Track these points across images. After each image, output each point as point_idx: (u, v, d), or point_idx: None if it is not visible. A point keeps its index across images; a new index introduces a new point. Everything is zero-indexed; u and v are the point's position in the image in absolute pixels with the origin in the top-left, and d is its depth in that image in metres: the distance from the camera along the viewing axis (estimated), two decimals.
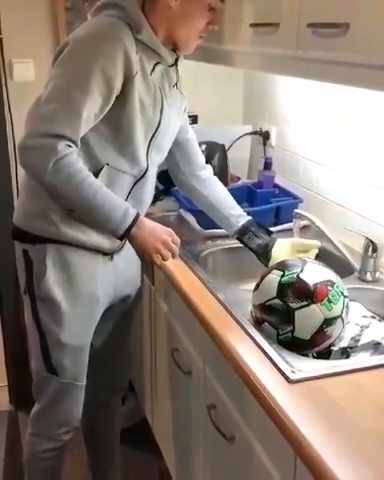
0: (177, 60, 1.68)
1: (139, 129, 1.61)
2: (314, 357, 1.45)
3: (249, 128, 2.58)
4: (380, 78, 1.17)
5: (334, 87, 1.81)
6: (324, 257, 1.72)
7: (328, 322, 1.40)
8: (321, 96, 2.09)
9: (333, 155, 2.07)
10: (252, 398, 1.28)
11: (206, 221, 2.00)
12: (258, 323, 1.48)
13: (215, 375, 1.58)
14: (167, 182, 2.19)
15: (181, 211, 2.24)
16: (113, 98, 1.53)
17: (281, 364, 1.31)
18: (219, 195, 1.91)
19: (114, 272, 1.79)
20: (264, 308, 1.45)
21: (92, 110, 1.49)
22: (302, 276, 1.44)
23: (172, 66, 1.68)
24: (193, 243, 2.00)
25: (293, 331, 1.40)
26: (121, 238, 1.59)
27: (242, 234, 1.85)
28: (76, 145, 1.50)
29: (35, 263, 1.68)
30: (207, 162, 1.95)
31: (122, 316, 1.94)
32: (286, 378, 1.26)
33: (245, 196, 2.26)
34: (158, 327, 2.10)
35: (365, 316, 1.57)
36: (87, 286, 1.71)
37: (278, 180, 2.37)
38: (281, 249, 1.78)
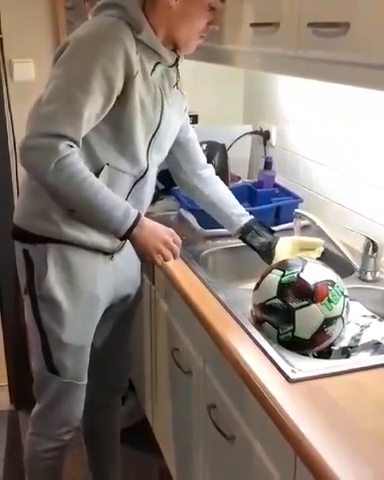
0: (177, 60, 1.68)
1: (139, 129, 1.61)
2: (314, 357, 1.45)
3: (249, 128, 2.58)
4: (380, 78, 1.17)
5: (334, 87, 1.81)
6: (324, 257, 1.72)
7: (328, 322, 1.40)
8: (321, 96, 2.09)
9: (333, 155, 2.07)
10: (252, 398, 1.28)
11: (206, 221, 2.00)
12: (258, 323, 1.48)
13: (215, 375, 1.58)
14: (167, 182, 2.19)
15: (181, 211, 2.24)
16: (114, 98, 1.53)
17: (281, 364, 1.31)
18: (221, 194, 1.91)
19: (114, 272, 1.79)
20: (264, 308, 1.45)
21: (93, 110, 1.50)
22: (302, 276, 1.43)
23: (172, 66, 1.68)
24: (193, 243, 2.00)
25: (293, 331, 1.40)
26: (123, 238, 1.59)
27: (245, 233, 1.85)
28: (77, 145, 1.50)
29: (36, 263, 1.68)
30: (207, 162, 1.95)
31: (122, 316, 1.94)
32: (286, 378, 1.26)
33: (245, 196, 2.26)
34: (158, 327, 2.10)
35: (365, 316, 1.57)
36: (88, 286, 1.71)
37: (278, 180, 2.37)
38: (284, 248, 1.78)
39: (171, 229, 1.65)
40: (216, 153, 2.29)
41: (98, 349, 1.87)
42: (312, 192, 2.21)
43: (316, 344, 1.42)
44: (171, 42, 1.63)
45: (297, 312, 1.40)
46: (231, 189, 1.95)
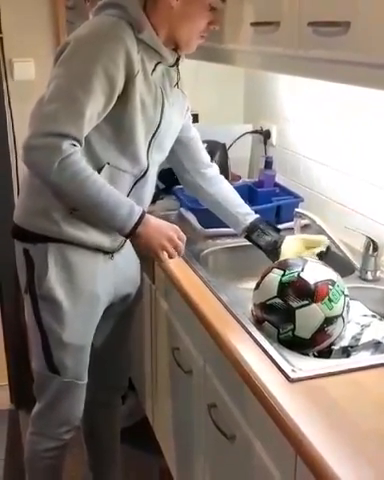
0: (178, 60, 1.68)
1: (140, 129, 1.61)
2: (315, 356, 1.45)
3: (250, 127, 2.58)
4: (381, 77, 1.17)
5: (335, 86, 1.82)
6: (325, 256, 1.72)
7: (329, 321, 1.40)
8: (322, 95, 2.09)
9: (334, 154, 2.07)
10: (253, 397, 1.28)
11: (207, 220, 2.00)
12: (259, 322, 1.48)
13: (216, 374, 1.58)
14: (168, 181, 2.20)
15: (182, 210, 2.24)
16: (115, 97, 1.53)
17: (282, 363, 1.31)
18: (225, 193, 1.90)
19: (114, 271, 1.79)
20: (265, 307, 1.45)
21: (95, 109, 1.50)
22: (303, 275, 1.43)
23: (173, 66, 1.68)
24: (194, 242, 2.00)
25: (294, 330, 1.40)
26: (128, 236, 1.59)
27: (251, 232, 1.84)
28: (80, 144, 1.50)
29: (36, 262, 1.68)
30: None
31: (122, 315, 1.94)
32: (287, 377, 1.26)
33: (246, 195, 2.26)
34: (159, 326, 2.10)
35: (366, 315, 1.57)
36: (88, 285, 1.71)
37: (279, 179, 2.37)
38: (291, 246, 1.77)
39: (175, 226, 1.65)
40: (216, 152, 2.29)
41: (98, 348, 1.87)
42: (312, 191, 2.21)
43: (316, 343, 1.42)
44: (172, 42, 1.63)
45: (297, 311, 1.40)
46: None
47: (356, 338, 1.48)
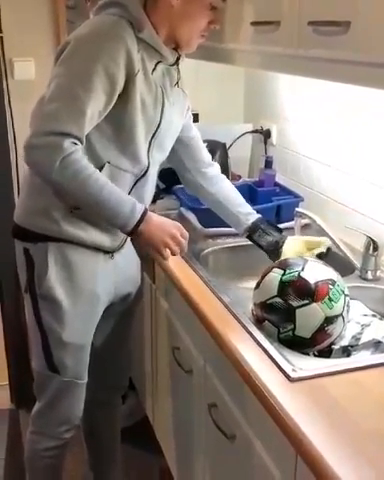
0: (178, 59, 1.68)
1: (140, 128, 1.61)
2: (315, 356, 1.45)
3: (250, 126, 2.58)
4: (381, 76, 1.17)
5: (335, 85, 1.82)
6: (325, 255, 1.72)
7: (329, 320, 1.40)
8: (322, 94, 2.09)
9: (334, 154, 2.07)
10: (253, 396, 1.28)
11: (207, 219, 2.00)
12: (259, 322, 1.48)
13: (216, 374, 1.58)
14: (168, 180, 2.19)
15: (182, 209, 2.24)
16: (116, 96, 1.53)
17: (282, 362, 1.31)
18: (227, 192, 1.90)
19: (114, 270, 1.79)
20: (265, 307, 1.45)
21: (96, 108, 1.50)
22: (303, 275, 1.43)
23: (173, 65, 1.68)
24: (194, 241, 1.99)
25: (294, 329, 1.40)
26: (130, 233, 1.59)
27: (252, 232, 1.84)
28: (81, 142, 1.50)
29: (36, 261, 1.68)
30: None
31: (122, 314, 1.94)
32: (287, 377, 1.26)
33: (246, 195, 2.25)
34: (159, 325, 2.10)
35: (366, 315, 1.57)
36: (88, 284, 1.71)
37: (279, 179, 2.37)
38: (292, 247, 1.76)
39: (178, 223, 1.65)
40: (217, 152, 2.29)
41: (98, 348, 1.87)
42: (313, 191, 2.21)
43: (317, 343, 1.42)
44: (172, 41, 1.63)
45: (298, 311, 1.40)
46: None
47: (356, 338, 1.48)
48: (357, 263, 1.78)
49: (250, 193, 2.28)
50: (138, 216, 1.54)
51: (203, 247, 1.99)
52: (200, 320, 1.58)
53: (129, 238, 1.81)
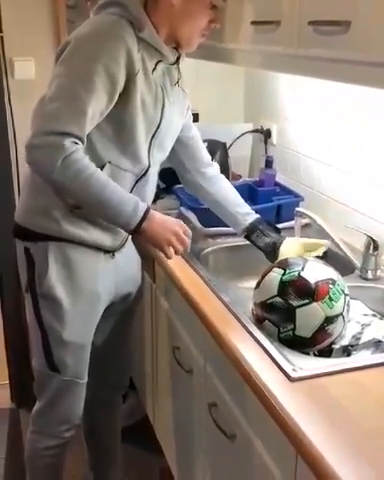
0: (179, 58, 1.68)
1: (141, 128, 1.61)
2: (315, 355, 1.45)
3: (250, 126, 2.58)
4: (381, 76, 1.17)
5: (335, 85, 1.81)
6: (326, 255, 1.72)
7: (329, 320, 1.40)
8: (322, 94, 2.09)
9: (334, 153, 2.07)
10: (253, 396, 1.28)
11: (207, 219, 2.00)
12: (259, 321, 1.48)
13: (216, 373, 1.58)
14: (168, 180, 2.19)
15: (182, 209, 2.24)
16: (117, 95, 1.53)
17: (282, 362, 1.31)
18: (225, 192, 1.90)
19: (115, 270, 1.79)
20: (265, 306, 1.45)
21: (97, 107, 1.50)
22: (303, 274, 1.43)
23: (174, 64, 1.68)
24: (194, 241, 1.98)
25: (294, 329, 1.40)
26: (133, 232, 1.58)
27: (250, 232, 1.84)
28: (82, 142, 1.50)
29: (37, 261, 1.68)
30: None
31: (123, 314, 1.94)
32: (287, 376, 1.26)
33: (246, 194, 2.26)
34: (159, 325, 2.10)
35: (366, 314, 1.57)
36: (88, 283, 1.71)
37: (279, 178, 2.37)
38: (289, 248, 1.76)
39: (181, 221, 1.65)
40: (217, 152, 2.29)
41: (99, 347, 1.87)
42: (313, 191, 2.21)
43: (317, 343, 1.42)
44: (173, 40, 1.63)
45: (298, 310, 1.40)
46: None
47: (357, 337, 1.48)
48: (357, 263, 1.78)
49: (250, 193, 2.28)
50: (141, 214, 1.54)
51: (203, 247, 1.99)
52: (200, 320, 1.58)
53: (130, 237, 1.81)
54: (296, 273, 1.44)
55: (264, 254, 1.81)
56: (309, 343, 1.42)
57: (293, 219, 1.91)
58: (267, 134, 2.51)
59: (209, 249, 1.99)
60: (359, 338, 1.47)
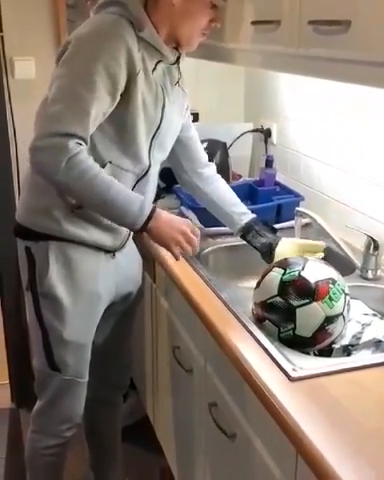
0: (179, 58, 1.68)
1: (141, 128, 1.61)
2: (315, 355, 1.45)
3: (250, 126, 2.58)
4: (381, 75, 1.17)
5: (336, 85, 1.81)
6: (326, 255, 1.72)
7: (329, 320, 1.40)
8: (322, 93, 2.09)
9: (335, 153, 2.07)
10: (253, 396, 1.28)
11: (208, 219, 2.00)
12: (259, 321, 1.48)
13: (216, 373, 1.58)
14: (169, 180, 2.19)
15: (182, 209, 2.24)
16: (118, 95, 1.53)
17: (282, 362, 1.31)
18: (221, 192, 1.90)
19: (116, 269, 1.79)
20: (265, 306, 1.45)
21: (99, 108, 1.49)
22: (303, 274, 1.43)
23: (174, 64, 1.68)
24: None
25: (294, 329, 1.40)
26: (140, 231, 1.58)
27: (246, 232, 1.83)
28: (86, 143, 1.50)
29: (37, 260, 1.68)
30: (208, 160, 1.95)
31: (123, 314, 1.94)
32: (287, 376, 1.26)
33: (246, 194, 2.26)
34: (159, 325, 2.10)
35: (366, 314, 1.57)
36: (89, 283, 1.71)
37: (279, 178, 2.37)
38: (285, 249, 1.76)
39: (188, 220, 1.64)
40: (217, 151, 2.29)
41: (99, 347, 1.87)
42: (313, 190, 2.21)
43: (317, 342, 1.42)
44: (173, 40, 1.63)
45: (298, 310, 1.40)
46: (232, 187, 1.95)
47: (357, 337, 1.48)
48: (358, 262, 1.78)
49: (250, 192, 2.28)
50: (147, 213, 1.53)
51: (203, 246, 1.98)
52: (200, 319, 1.58)
53: (131, 237, 1.81)
54: (296, 273, 1.44)
55: (260, 254, 1.81)
56: (309, 343, 1.42)
57: (293, 219, 1.91)
58: (267, 134, 2.51)
59: (209, 249, 1.99)
60: (359, 338, 1.48)
